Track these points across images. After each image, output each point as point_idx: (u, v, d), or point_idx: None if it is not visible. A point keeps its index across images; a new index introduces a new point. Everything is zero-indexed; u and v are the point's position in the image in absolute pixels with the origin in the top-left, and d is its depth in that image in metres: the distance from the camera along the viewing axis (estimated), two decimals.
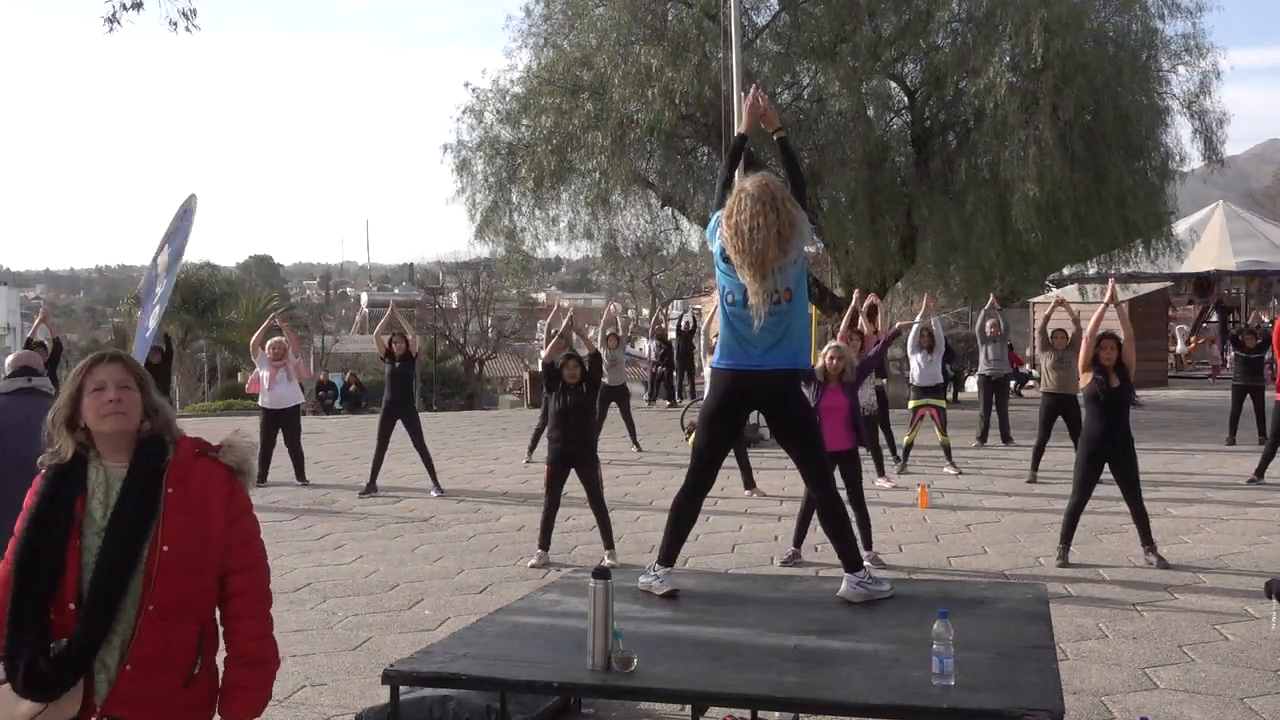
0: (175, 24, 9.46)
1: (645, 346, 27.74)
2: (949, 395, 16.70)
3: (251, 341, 12.92)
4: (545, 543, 8.40)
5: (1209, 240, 26.87)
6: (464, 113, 19.89)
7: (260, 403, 12.42)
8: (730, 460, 8.61)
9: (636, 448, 14.68)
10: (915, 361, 12.93)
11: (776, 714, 4.38)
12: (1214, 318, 29.70)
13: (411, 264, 75.32)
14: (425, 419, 13.08)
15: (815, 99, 19.13)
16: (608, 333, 16.01)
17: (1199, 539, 8.92)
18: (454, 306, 43.47)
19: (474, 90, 19.88)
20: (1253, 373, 14.11)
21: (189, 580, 2.73)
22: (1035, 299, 24.36)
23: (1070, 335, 11.72)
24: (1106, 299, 8.44)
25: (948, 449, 12.63)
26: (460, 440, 16.70)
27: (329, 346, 46.11)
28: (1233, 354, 15.48)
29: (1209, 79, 18.20)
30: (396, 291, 64.97)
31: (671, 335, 24.22)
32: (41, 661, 2.63)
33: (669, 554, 4.93)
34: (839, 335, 9.90)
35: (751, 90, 5.08)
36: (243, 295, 42.76)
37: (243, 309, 39.35)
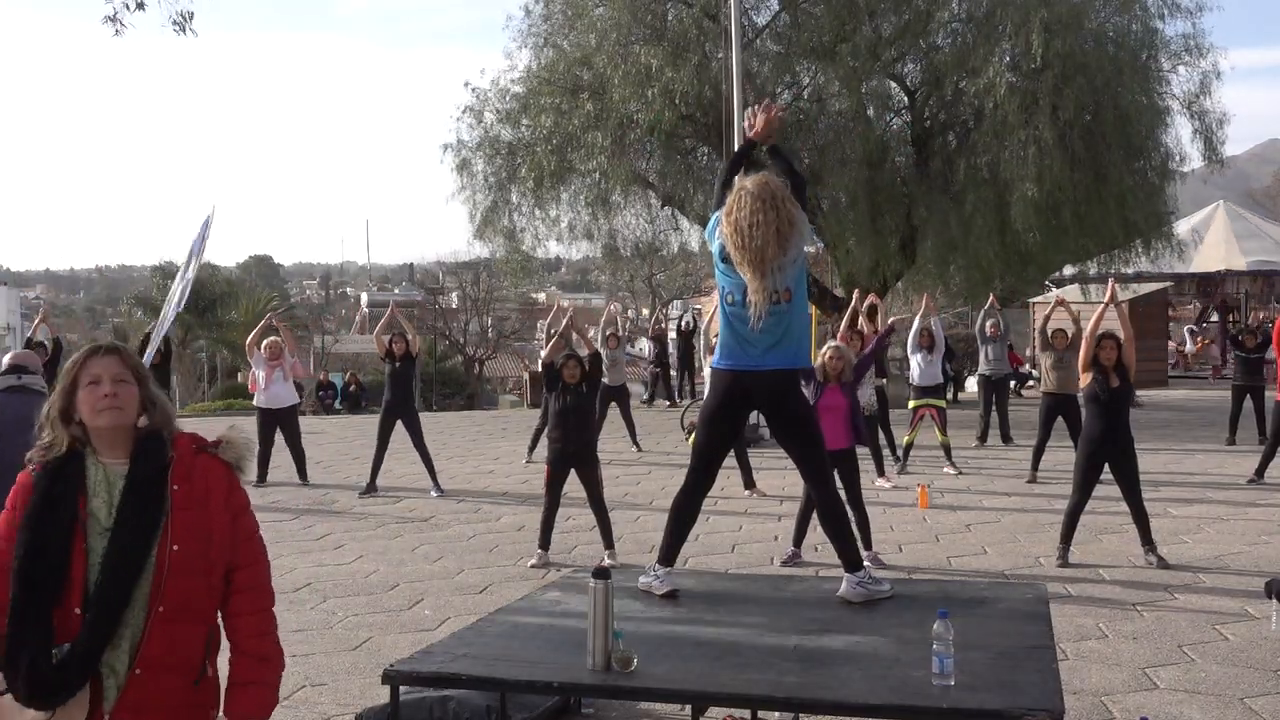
0: (177, 24, 9.45)
1: (645, 346, 27.75)
2: (949, 395, 16.70)
3: (247, 341, 12.92)
4: (545, 543, 8.40)
5: (1214, 240, 26.87)
6: (464, 112, 19.93)
7: (255, 402, 12.43)
8: (730, 460, 8.61)
9: (636, 448, 14.68)
10: (915, 361, 12.93)
11: (776, 714, 4.38)
12: (1214, 318, 29.71)
13: (411, 264, 75.42)
14: (425, 419, 13.08)
15: (815, 99, 19.14)
16: (608, 333, 16.01)
17: (1199, 539, 8.92)
18: (454, 306, 43.49)
19: (474, 90, 19.91)
20: (1253, 373, 14.11)
21: (197, 580, 2.66)
22: (1035, 299, 24.37)
23: (1070, 335, 11.71)
24: (1106, 299, 8.45)
25: (948, 449, 12.63)
26: (460, 440, 16.70)
27: (329, 346, 46.14)
28: (1233, 354, 15.48)
29: (1209, 79, 18.23)
30: (396, 291, 65.00)
31: (672, 335, 24.23)
32: (45, 668, 2.54)
33: (669, 554, 4.93)
34: (839, 335, 9.89)
35: (773, 106, 5.08)
36: (243, 295, 42.78)
37: (243, 309, 39.36)
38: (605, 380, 12.35)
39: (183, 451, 2.74)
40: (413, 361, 11.92)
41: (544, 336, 15.16)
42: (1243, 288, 27.53)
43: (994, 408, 14.80)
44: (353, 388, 28.07)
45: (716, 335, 5.08)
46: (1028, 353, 22.15)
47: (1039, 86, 16.67)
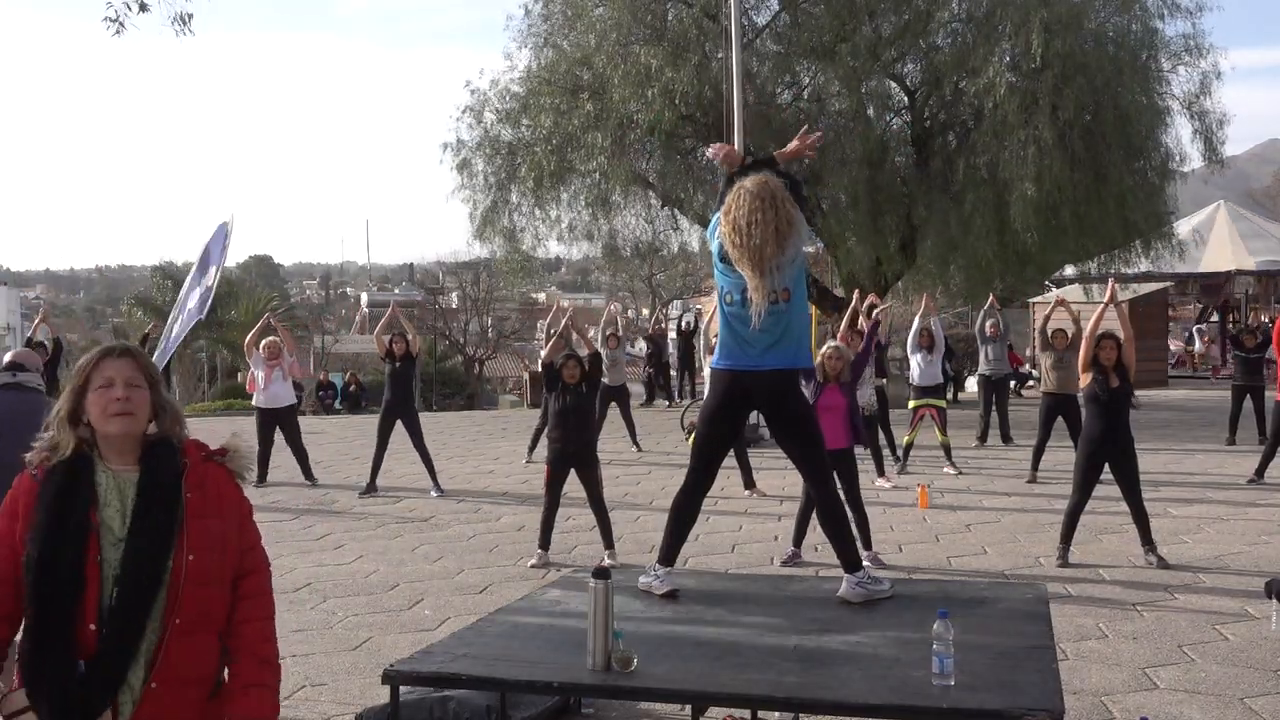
0: (176, 24, 9.47)
1: (644, 347, 27.78)
2: (949, 395, 16.70)
3: (246, 342, 12.93)
4: (545, 543, 8.40)
5: (1219, 240, 26.87)
6: (464, 112, 19.92)
7: (255, 402, 12.43)
8: (730, 460, 8.62)
9: (636, 448, 14.68)
10: (915, 361, 12.93)
11: (776, 714, 4.38)
12: (1214, 318, 29.71)
13: (411, 264, 75.43)
14: (425, 419, 13.08)
15: (815, 99, 19.13)
16: (608, 333, 16.01)
17: (1199, 539, 8.92)
18: (454, 306, 43.49)
19: (474, 90, 19.91)
20: (1253, 373, 14.11)
21: (213, 589, 2.60)
22: (1035, 299, 24.36)
23: (1070, 335, 11.71)
24: (1106, 299, 8.45)
25: (948, 449, 12.63)
26: (460, 440, 16.70)
27: (329, 346, 46.13)
28: (1233, 354, 15.48)
29: (1209, 79, 18.22)
30: (396, 291, 65.01)
31: (672, 335, 24.23)
32: (71, 688, 2.44)
33: (669, 554, 4.93)
34: (839, 335, 9.89)
35: (812, 138, 5.08)
36: (243, 295, 42.69)
37: (243, 309, 39.30)
38: (605, 380, 12.35)
39: (194, 459, 2.68)
40: (413, 361, 11.92)
41: (544, 336, 15.17)
42: (1244, 288, 27.55)
43: (994, 408, 14.80)
44: (353, 388, 28.08)
45: (716, 335, 5.08)
46: (1028, 353, 22.16)
47: (1039, 86, 16.67)
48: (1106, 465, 8.02)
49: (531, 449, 13.75)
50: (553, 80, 18.86)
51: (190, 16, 9.51)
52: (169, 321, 11.19)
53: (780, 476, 11.48)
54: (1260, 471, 11.41)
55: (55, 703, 2.46)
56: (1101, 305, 8.37)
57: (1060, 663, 4.22)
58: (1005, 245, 17.59)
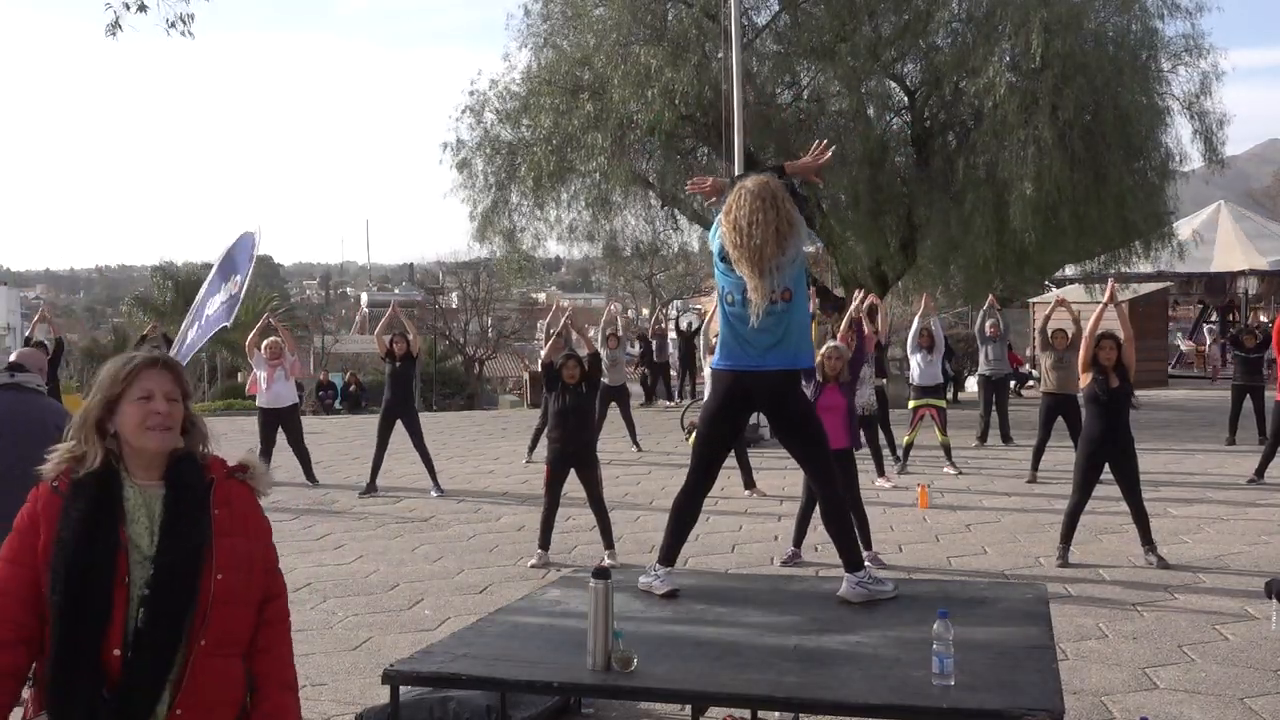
0: (173, 25, 9.46)
1: (637, 346, 27.82)
2: (949, 395, 16.70)
3: (247, 342, 12.93)
4: (545, 543, 8.40)
5: (1225, 240, 26.88)
6: (464, 112, 19.95)
7: (258, 403, 12.44)
8: (730, 460, 8.61)
9: (636, 448, 14.68)
10: (915, 361, 12.93)
11: (776, 714, 4.38)
12: (1214, 318, 29.70)
13: (411, 264, 75.48)
14: (425, 419, 13.08)
15: (815, 99, 19.15)
16: (608, 333, 16.02)
17: (1199, 539, 8.92)
18: (454, 306, 43.49)
19: (474, 90, 19.92)
20: (1252, 373, 14.11)
21: (240, 609, 2.50)
22: (1035, 299, 24.36)
23: (1070, 335, 11.71)
24: (1106, 299, 8.45)
25: (948, 449, 12.63)
26: (460, 440, 16.70)
27: (329, 346, 46.12)
28: (1233, 354, 15.48)
29: (1209, 79, 18.23)
30: (396, 291, 65.04)
31: (672, 335, 24.24)
32: (103, 717, 2.32)
33: (669, 554, 4.93)
34: (839, 335, 9.88)
35: (825, 153, 5.07)
36: (243, 295, 42.72)
37: (243, 309, 39.18)
38: (605, 380, 12.36)
39: (219, 475, 2.59)
40: (413, 361, 11.92)
41: (544, 336, 15.16)
42: (1246, 288, 27.54)
43: (994, 408, 14.80)
44: (353, 388, 28.09)
45: (717, 335, 5.08)
46: (1028, 353, 22.15)
47: (1039, 86, 16.67)
48: (1106, 465, 8.02)
49: (531, 449, 13.74)
50: (553, 80, 18.86)
51: (191, 17, 9.52)
52: (183, 327, 11.17)
53: (780, 476, 11.48)
54: (1260, 471, 11.41)
55: None
56: (1101, 305, 8.37)
57: (1060, 663, 4.22)
58: (1005, 245, 17.59)
